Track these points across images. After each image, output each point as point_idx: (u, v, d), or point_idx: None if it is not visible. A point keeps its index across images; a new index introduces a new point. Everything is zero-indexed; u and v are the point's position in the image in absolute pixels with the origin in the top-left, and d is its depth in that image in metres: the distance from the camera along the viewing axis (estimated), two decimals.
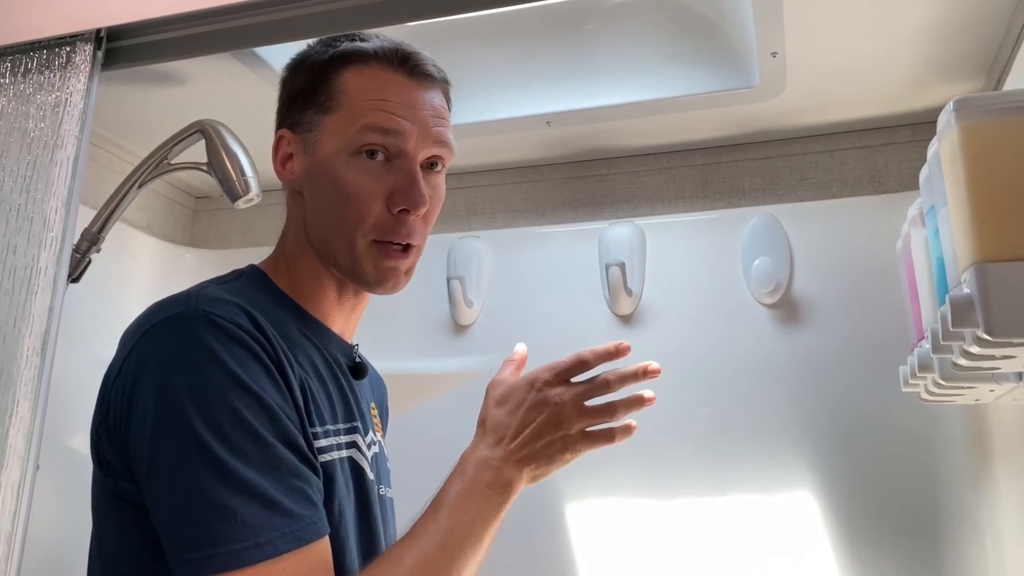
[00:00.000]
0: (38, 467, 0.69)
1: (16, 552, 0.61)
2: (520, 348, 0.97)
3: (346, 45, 0.87)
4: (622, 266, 1.48)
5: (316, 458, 0.75)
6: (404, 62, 0.86)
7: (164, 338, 0.72)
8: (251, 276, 0.88)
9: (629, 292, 1.52)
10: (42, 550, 1.32)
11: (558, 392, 0.88)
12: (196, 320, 0.72)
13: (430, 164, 0.87)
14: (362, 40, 0.87)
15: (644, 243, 1.57)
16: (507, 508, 0.83)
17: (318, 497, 0.72)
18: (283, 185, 0.91)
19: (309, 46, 0.90)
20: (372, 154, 0.83)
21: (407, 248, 0.85)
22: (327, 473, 0.77)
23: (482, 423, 0.87)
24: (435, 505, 0.80)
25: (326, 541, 0.71)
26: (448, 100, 0.92)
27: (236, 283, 0.85)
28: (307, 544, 0.68)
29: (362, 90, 0.84)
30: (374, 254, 0.84)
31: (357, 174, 0.83)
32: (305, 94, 0.87)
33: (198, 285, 0.81)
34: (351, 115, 0.83)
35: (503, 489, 0.83)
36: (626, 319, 1.56)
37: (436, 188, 0.88)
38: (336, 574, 0.72)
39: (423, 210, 0.84)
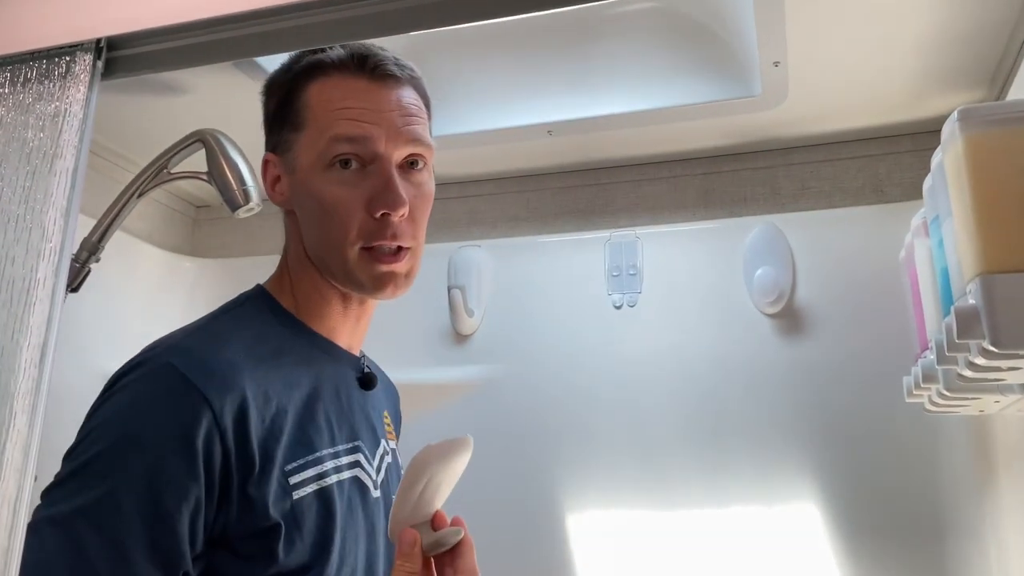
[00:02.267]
0: (36, 478, 0.68)
1: (13, 566, 0.60)
2: None
3: (306, 59, 0.86)
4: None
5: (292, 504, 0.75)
6: (363, 65, 0.85)
7: (115, 382, 0.76)
8: (256, 300, 0.88)
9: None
10: None
11: None
12: (156, 370, 0.74)
13: (410, 163, 0.85)
14: (322, 51, 0.86)
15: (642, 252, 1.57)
16: None
17: None
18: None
19: (281, 65, 0.90)
20: (345, 164, 0.82)
21: (398, 251, 0.83)
22: (325, 498, 0.78)
23: None
24: None
25: None
26: (424, 96, 0.89)
27: (235, 312, 0.85)
28: None
29: (326, 102, 0.84)
30: (365, 261, 0.83)
31: (334, 186, 0.82)
32: (278, 115, 0.88)
33: (197, 324, 0.82)
34: (318, 129, 0.83)
35: None
36: (626, 328, 1.56)
37: (420, 186, 0.86)
38: None
39: (403, 210, 0.82)
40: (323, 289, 0.87)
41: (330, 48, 0.86)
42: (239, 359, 0.77)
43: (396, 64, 0.86)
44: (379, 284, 0.83)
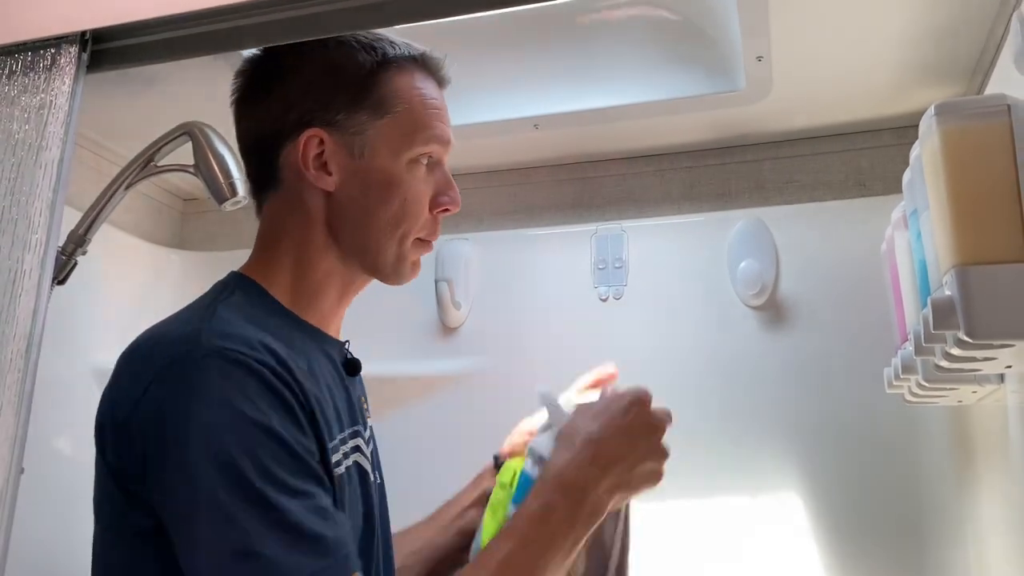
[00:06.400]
0: (23, 470, 0.68)
1: (0, 556, 0.61)
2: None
3: (388, 48, 0.87)
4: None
5: (335, 489, 0.76)
6: (438, 69, 0.91)
7: (182, 380, 0.71)
8: (244, 289, 0.84)
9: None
10: (26, 554, 1.31)
11: (661, 415, 0.89)
12: (211, 359, 0.71)
13: None
14: (391, 44, 0.88)
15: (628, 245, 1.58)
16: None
17: (346, 532, 0.72)
18: (296, 185, 0.87)
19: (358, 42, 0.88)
20: (427, 161, 0.88)
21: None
22: (339, 486, 0.78)
23: (570, 436, 0.84)
24: (515, 525, 0.79)
25: None
26: None
27: (229, 301, 0.81)
28: None
29: (420, 97, 0.87)
30: (416, 251, 0.89)
31: (418, 182, 0.87)
32: (349, 95, 0.85)
33: (201, 311, 0.79)
34: (412, 122, 0.86)
35: (591, 517, 0.80)
36: (612, 321, 1.57)
37: None
38: None
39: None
40: (332, 276, 0.87)
41: (397, 44, 0.88)
42: (268, 340, 0.76)
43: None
44: (414, 271, 0.91)
